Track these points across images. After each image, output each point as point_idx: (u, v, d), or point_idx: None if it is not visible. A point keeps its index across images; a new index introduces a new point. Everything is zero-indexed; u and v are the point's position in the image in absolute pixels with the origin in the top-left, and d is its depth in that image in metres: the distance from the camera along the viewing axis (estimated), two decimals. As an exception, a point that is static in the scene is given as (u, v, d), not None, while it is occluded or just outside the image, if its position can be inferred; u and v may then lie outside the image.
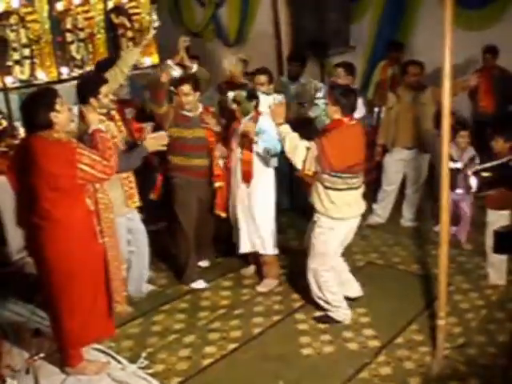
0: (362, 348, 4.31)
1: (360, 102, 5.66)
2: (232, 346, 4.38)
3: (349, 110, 4.32)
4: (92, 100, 4.28)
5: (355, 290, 4.91)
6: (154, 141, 4.39)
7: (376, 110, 7.64)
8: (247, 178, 4.95)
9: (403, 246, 6.05)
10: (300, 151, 4.21)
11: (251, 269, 5.55)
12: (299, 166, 4.26)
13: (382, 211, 6.57)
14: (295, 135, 4.29)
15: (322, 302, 4.65)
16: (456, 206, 5.69)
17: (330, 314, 4.66)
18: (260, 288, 5.24)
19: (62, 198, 3.61)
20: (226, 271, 5.61)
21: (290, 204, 6.83)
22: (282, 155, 4.73)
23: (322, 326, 4.61)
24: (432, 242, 5.83)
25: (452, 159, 5.07)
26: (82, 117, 4.02)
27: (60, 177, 3.55)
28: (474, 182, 3.87)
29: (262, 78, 5.51)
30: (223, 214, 5.25)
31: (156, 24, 5.06)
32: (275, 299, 5.06)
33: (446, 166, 3.68)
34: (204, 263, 5.75)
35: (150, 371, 4.06)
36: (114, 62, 5.04)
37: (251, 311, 4.87)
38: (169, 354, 4.29)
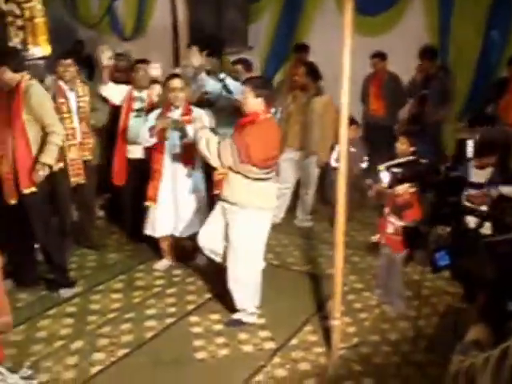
0: (257, 350, 4.23)
1: None
2: (123, 351, 4.17)
3: (270, 100, 4.27)
4: None
5: None
6: None
7: (273, 110, 7.66)
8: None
9: (297, 247, 6.07)
10: (212, 146, 4.12)
11: (164, 262, 5.48)
12: (215, 161, 4.16)
13: (276, 211, 6.52)
14: (211, 134, 4.26)
15: (242, 305, 4.55)
16: None
17: (241, 317, 4.56)
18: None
19: None
20: (117, 273, 5.39)
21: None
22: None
23: (216, 328, 4.51)
24: (326, 242, 5.90)
25: None
26: None
27: None
28: (385, 177, 3.94)
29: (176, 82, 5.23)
30: None
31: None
32: (168, 301, 4.90)
33: (344, 166, 3.68)
34: None
35: (33, 381, 3.78)
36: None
37: (143, 314, 4.69)
38: (55, 362, 4.02)
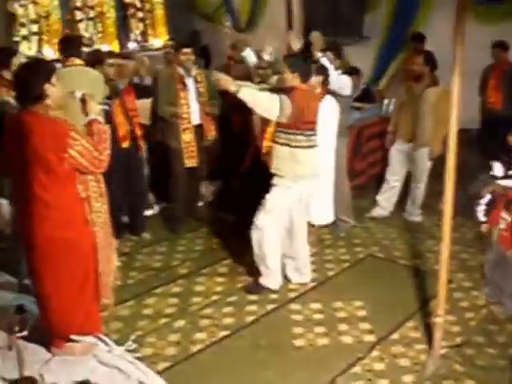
0: (356, 342, 4.18)
1: (348, 80, 5.71)
2: (223, 333, 4.27)
3: (305, 75, 4.60)
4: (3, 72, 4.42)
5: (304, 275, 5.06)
6: None
7: (386, 101, 7.53)
8: None
9: (405, 241, 5.91)
10: (274, 99, 4.44)
11: None
12: (276, 112, 4.44)
13: (385, 203, 6.45)
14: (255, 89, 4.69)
15: (259, 262, 4.80)
16: None
17: (261, 280, 4.83)
18: None
19: (52, 180, 3.41)
20: (223, 257, 5.52)
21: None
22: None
23: (317, 317, 4.49)
24: (435, 237, 5.70)
25: None
26: (82, 104, 3.72)
27: (47, 157, 3.35)
28: (498, 168, 3.78)
29: None
30: None
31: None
32: (270, 288, 4.95)
33: (453, 160, 3.54)
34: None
35: (137, 355, 3.95)
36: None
37: (245, 299, 4.76)
38: (158, 338, 4.19)
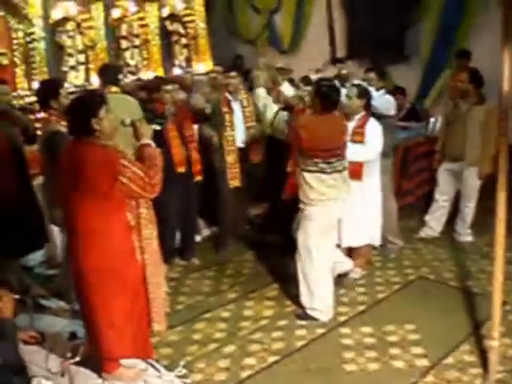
0: (408, 367, 4.09)
1: (392, 101, 5.72)
2: (273, 358, 4.23)
3: (328, 106, 4.52)
4: (52, 102, 4.47)
5: (347, 264, 5.13)
6: None
7: (432, 119, 7.45)
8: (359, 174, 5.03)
9: (456, 262, 5.79)
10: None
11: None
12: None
13: (434, 224, 6.34)
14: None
15: (308, 295, 4.71)
16: None
17: (310, 312, 4.72)
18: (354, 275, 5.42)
19: (101, 207, 3.46)
20: (272, 281, 5.49)
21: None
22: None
23: (368, 341, 4.42)
24: (487, 257, 5.57)
25: None
26: (133, 129, 3.78)
27: (97, 183, 3.40)
28: None
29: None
30: None
31: None
32: (320, 312, 4.89)
33: (503, 175, 3.47)
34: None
35: (187, 381, 3.96)
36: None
37: (294, 323, 4.72)
38: (208, 364, 4.18)
